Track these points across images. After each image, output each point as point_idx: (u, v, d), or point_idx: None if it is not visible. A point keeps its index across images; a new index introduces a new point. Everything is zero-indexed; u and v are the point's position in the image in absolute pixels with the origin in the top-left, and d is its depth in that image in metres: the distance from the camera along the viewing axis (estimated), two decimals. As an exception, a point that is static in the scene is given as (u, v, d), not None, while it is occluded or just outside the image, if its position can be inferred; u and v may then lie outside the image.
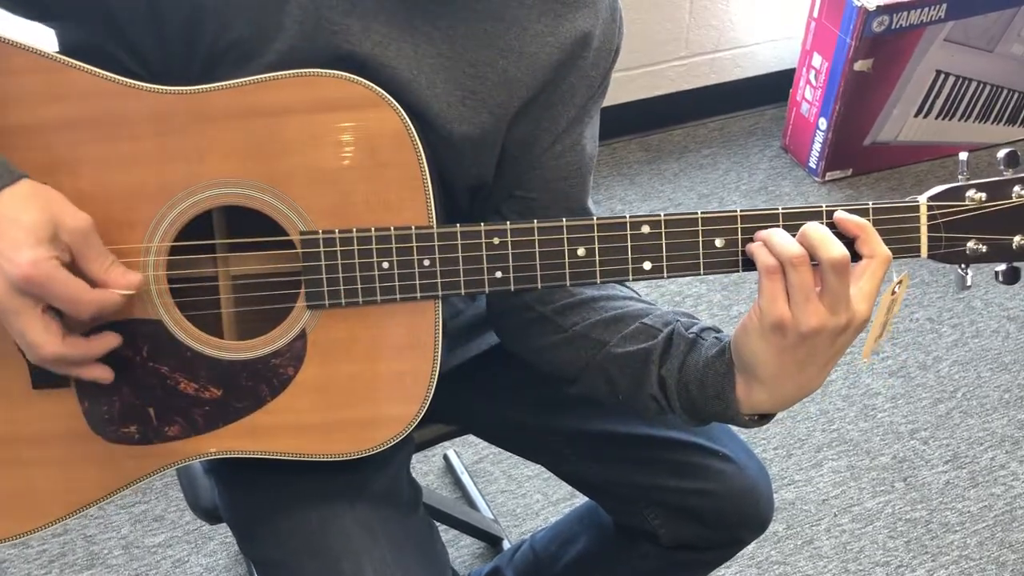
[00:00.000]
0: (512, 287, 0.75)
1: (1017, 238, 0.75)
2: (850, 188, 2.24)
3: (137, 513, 1.55)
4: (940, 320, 1.93)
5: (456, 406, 1.01)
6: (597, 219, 0.74)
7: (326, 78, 0.73)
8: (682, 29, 2.22)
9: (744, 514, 0.98)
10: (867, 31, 2.01)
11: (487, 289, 0.76)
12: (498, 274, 0.75)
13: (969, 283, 0.77)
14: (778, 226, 0.73)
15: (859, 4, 1.98)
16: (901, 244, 0.74)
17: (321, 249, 0.75)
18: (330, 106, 0.73)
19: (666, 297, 1.95)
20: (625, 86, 2.22)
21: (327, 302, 0.76)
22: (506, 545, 1.50)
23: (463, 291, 0.76)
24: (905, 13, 2.01)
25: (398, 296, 0.76)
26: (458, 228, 0.74)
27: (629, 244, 0.74)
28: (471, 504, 1.58)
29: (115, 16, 0.73)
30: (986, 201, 0.74)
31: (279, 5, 0.73)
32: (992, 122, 2.31)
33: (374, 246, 0.75)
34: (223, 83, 0.73)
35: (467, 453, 1.67)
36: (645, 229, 0.74)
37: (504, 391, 1.02)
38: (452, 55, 0.77)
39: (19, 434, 0.78)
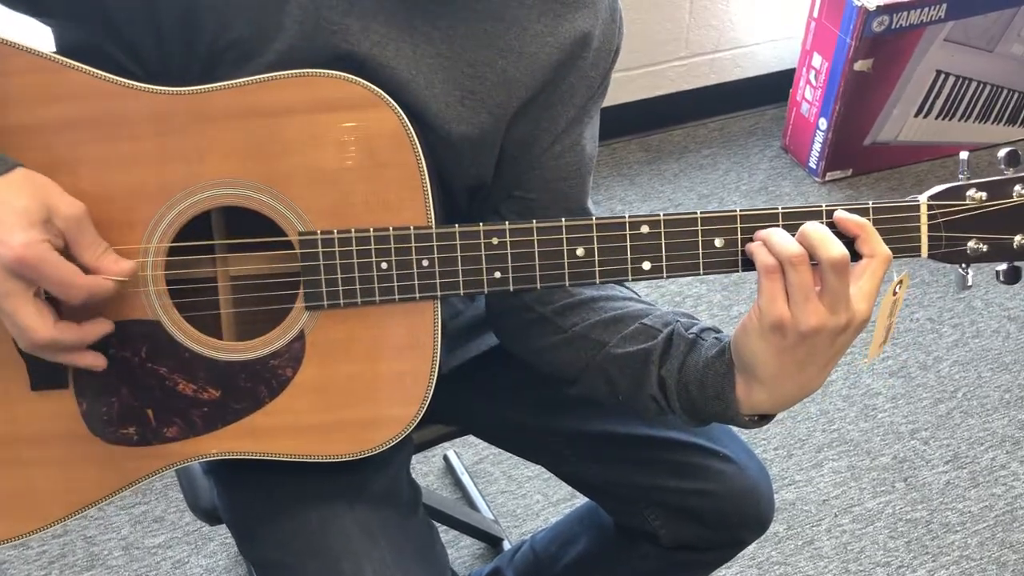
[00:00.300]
0: (511, 287, 0.75)
1: (1018, 237, 0.75)
2: (850, 188, 2.24)
3: (137, 514, 1.55)
4: (940, 320, 1.93)
5: (456, 407, 1.01)
6: (596, 219, 0.74)
7: (325, 78, 0.72)
8: (682, 29, 2.22)
9: (744, 514, 0.98)
10: (867, 31, 2.00)
11: (486, 289, 0.76)
12: (497, 274, 0.75)
13: (970, 283, 0.77)
14: (778, 226, 0.72)
15: (859, 4, 1.98)
16: (901, 244, 0.74)
17: (320, 250, 0.74)
18: (329, 106, 0.73)
19: (666, 298, 1.95)
20: (625, 86, 2.22)
21: (326, 303, 0.76)
22: (506, 546, 1.49)
23: (462, 291, 0.76)
24: (905, 13, 2.01)
25: (397, 297, 0.75)
26: (457, 228, 0.74)
27: (628, 244, 0.74)
28: (471, 505, 1.58)
29: (112, 16, 0.72)
30: (987, 200, 0.74)
31: (279, 5, 0.73)
32: (992, 122, 2.31)
33: (373, 246, 0.74)
34: (222, 83, 0.73)
35: (467, 454, 1.66)
36: (644, 229, 0.74)
37: (504, 392, 1.02)
38: (451, 55, 0.77)
39: (18, 435, 0.78)
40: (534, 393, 0.99)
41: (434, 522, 0.96)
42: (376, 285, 0.75)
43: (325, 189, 0.74)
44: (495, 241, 0.74)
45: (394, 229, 0.74)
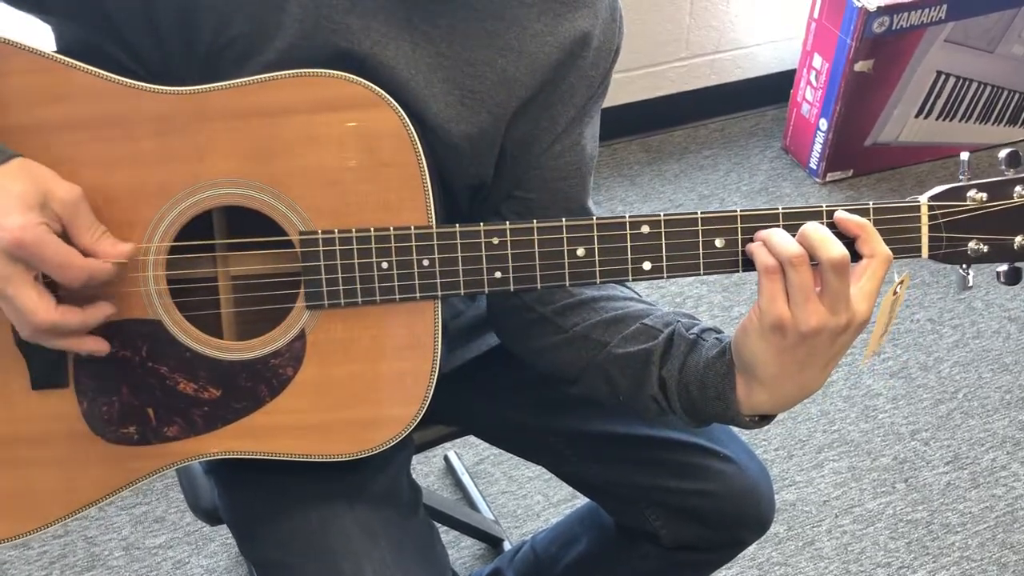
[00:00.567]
0: (511, 287, 0.75)
1: (1018, 238, 0.75)
2: (851, 189, 2.24)
3: (138, 514, 1.55)
4: (941, 321, 1.93)
5: (456, 407, 1.01)
6: (597, 219, 0.74)
7: (325, 78, 0.73)
8: (683, 30, 2.22)
9: (745, 515, 0.98)
10: (867, 32, 2.01)
11: (486, 289, 0.76)
12: (497, 274, 0.75)
13: (970, 283, 0.76)
14: (778, 226, 0.72)
15: (859, 5, 1.98)
16: (902, 244, 0.74)
17: (320, 249, 0.74)
18: (329, 106, 0.73)
19: (667, 298, 1.95)
20: (626, 87, 2.22)
21: (326, 302, 0.76)
22: (507, 546, 1.49)
23: (462, 291, 0.76)
24: (905, 14, 2.01)
25: (397, 296, 0.75)
26: (457, 228, 0.74)
27: (629, 244, 0.74)
28: (472, 505, 1.58)
29: (112, 15, 0.73)
30: (987, 201, 0.74)
31: (279, 4, 0.73)
32: (993, 123, 2.31)
33: (373, 246, 0.74)
34: (222, 83, 0.73)
35: (468, 454, 1.66)
36: (645, 229, 0.74)
37: (505, 391, 1.02)
38: (451, 54, 0.77)
39: (19, 435, 0.78)
40: (535, 393, 0.99)
41: (434, 523, 0.96)
42: (377, 285, 0.75)
43: (326, 189, 0.74)
44: (496, 241, 0.74)
45: (395, 229, 0.74)
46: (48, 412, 0.78)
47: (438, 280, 0.75)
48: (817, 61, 2.15)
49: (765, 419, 0.78)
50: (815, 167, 2.23)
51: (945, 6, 2.03)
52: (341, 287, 0.75)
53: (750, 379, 0.74)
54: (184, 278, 0.79)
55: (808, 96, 2.21)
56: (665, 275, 0.75)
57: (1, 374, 0.77)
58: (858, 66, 2.06)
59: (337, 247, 0.74)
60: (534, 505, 1.60)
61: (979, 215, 0.74)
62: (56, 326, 0.69)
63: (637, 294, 0.89)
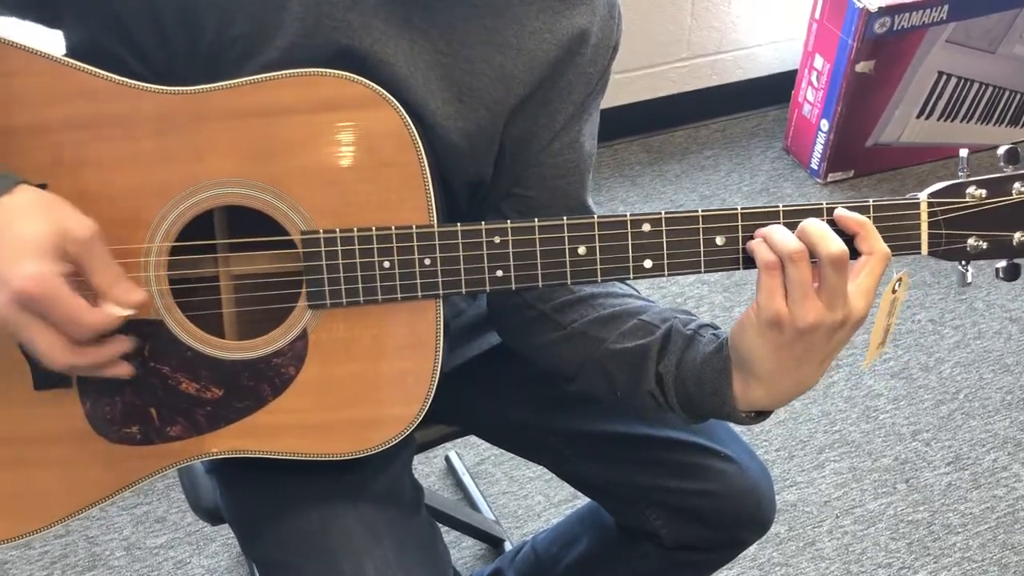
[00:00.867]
0: (513, 286, 0.75)
1: (1018, 234, 0.75)
2: (852, 190, 2.24)
3: (139, 514, 1.55)
4: (942, 321, 1.93)
5: (458, 406, 1.01)
6: (598, 217, 0.74)
7: (326, 78, 0.73)
8: (684, 31, 2.22)
9: (746, 514, 0.98)
10: (869, 32, 2.01)
11: (488, 288, 0.76)
12: (499, 273, 0.75)
13: (970, 280, 0.77)
14: (778, 224, 0.73)
15: (861, 5, 1.98)
16: (901, 242, 0.74)
17: (322, 249, 0.75)
18: (330, 106, 0.73)
19: (668, 298, 1.95)
20: (627, 87, 2.22)
21: (328, 302, 0.76)
22: (507, 547, 1.49)
23: (464, 290, 0.76)
24: (907, 14, 2.01)
25: (399, 295, 0.76)
26: (459, 227, 0.74)
27: (630, 242, 0.74)
28: (473, 505, 1.58)
29: (120, 15, 0.73)
30: (987, 198, 0.74)
31: (281, 2, 0.73)
32: (994, 123, 2.31)
33: (375, 245, 0.75)
34: (224, 83, 0.73)
35: (468, 455, 1.67)
36: (646, 227, 0.74)
37: (506, 390, 1.02)
38: (449, 52, 0.77)
39: (21, 435, 0.78)
40: (536, 392, 0.99)
41: (436, 522, 0.96)
42: (378, 284, 0.75)
43: (327, 188, 0.75)
44: (497, 240, 0.74)
45: (396, 228, 0.74)
46: (51, 412, 0.78)
47: (440, 279, 0.75)
48: (818, 62, 2.15)
49: (761, 415, 0.78)
50: (816, 168, 2.23)
51: (946, 7, 2.03)
52: (343, 286, 0.75)
53: (747, 375, 0.74)
54: (186, 278, 0.79)
55: (809, 97, 2.21)
56: (666, 273, 0.75)
57: (4, 375, 0.77)
58: (859, 67, 2.06)
59: (339, 247, 0.75)
60: (535, 505, 1.60)
61: (978, 211, 0.74)
62: (72, 367, 0.69)
63: (636, 291, 0.89)
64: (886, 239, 0.73)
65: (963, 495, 1.63)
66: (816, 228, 0.70)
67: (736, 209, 0.74)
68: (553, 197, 0.86)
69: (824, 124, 2.17)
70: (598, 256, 0.75)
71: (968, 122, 2.28)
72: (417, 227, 0.75)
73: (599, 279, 0.75)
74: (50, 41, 0.77)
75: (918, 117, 2.21)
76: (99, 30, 0.74)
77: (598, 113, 0.89)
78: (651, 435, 0.96)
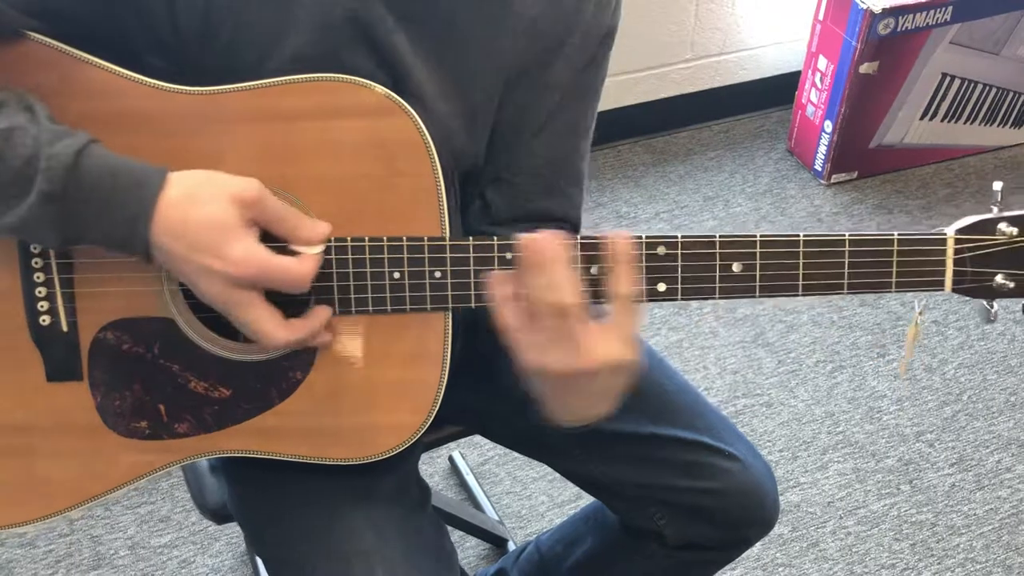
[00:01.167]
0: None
1: None
2: (855, 191, 2.24)
3: (143, 514, 1.55)
4: (946, 323, 1.93)
5: (463, 405, 1.01)
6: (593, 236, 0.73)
7: (344, 84, 0.72)
8: (687, 32, 2.22)
9: (750, 513, 0.98)
10: (873, 33, 2.01)
11: None
12: None
13: (994, 317, 0.74)
14: (798, 251, 0.72)
15: (865, 7, 1.99)
16: (924, 277, 0.73)
17: (333, 256, 0.74)
18: (347, 112, 0.73)
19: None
20: (630, 88, 2.22)
21: (337, 309, 0.76)
22: (511, 546, 1.50)
23: (473, 304, 0.75)
24: (911, 15, 2.01)
25: (408, 307, 0.75)
26: (471, 241, 0.74)
27: (644, 264, 0.73)
28: (476, 505, 1.58)
29: (140, 13, 0.73)
30: (1017, 236, 0.71)
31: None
32: (998, 124, 2.31)
33: (385, 255, 0.74)
34: (240, 85, 0.73)
35: (472, 455, 1.67)
36: (661, 250, 0.73)
37: (511, 390, 1.02)
38: (445, 37, 0.77)
39: (33, 424, 0.79)
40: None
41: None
42: (388, 294, 0.75)
43: (340, 196, 0.74)
44: (509, 256, 0.74)
45: (408, 239, 0.74)
46: (62, 404, 0.78)
47: (449, 292, 0.75)
48: (822, 63, 2.15)
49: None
50: (820, 169, 2.24)
51: (951, 8, 2.03)
52: (352, 295, 0.75)
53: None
54: None
55: (813, 98, 2.21)
56: (680, 298, 0.74)
57: (18, 365, 0.77)
58: (863, 68, 2.06)
59: (349, 255, 0.74)
60: (538, 505, 1.60)
61: (1008, 250, 0.72)
62: (290, 343, 0.72)
63: None
64: (907, 273, 0.72)
65: (967, 496, 1.63)
66: (551, 277, 0.68)
67: (755, 236, 0.72)
68: (539, 186, 0.85)
69: (828, 125, 2.17)
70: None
71: (972, 124, 2.28)
72: (428, 239, 0.74)
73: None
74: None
75: (922, 118, 2.22)
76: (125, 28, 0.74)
77: (595, 110, 0.88)
78: (656, 434, 0.97)
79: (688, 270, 0.73)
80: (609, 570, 1.10)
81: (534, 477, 1.64)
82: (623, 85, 2.19)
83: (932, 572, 1.53)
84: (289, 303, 0.75)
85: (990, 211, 0.73)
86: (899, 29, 2.02)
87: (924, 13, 2.02)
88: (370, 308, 0.76)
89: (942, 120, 2.24)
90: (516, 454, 1.64)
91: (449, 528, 1.45)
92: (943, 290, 0.73)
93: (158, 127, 0.74)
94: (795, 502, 1.61)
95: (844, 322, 1.92)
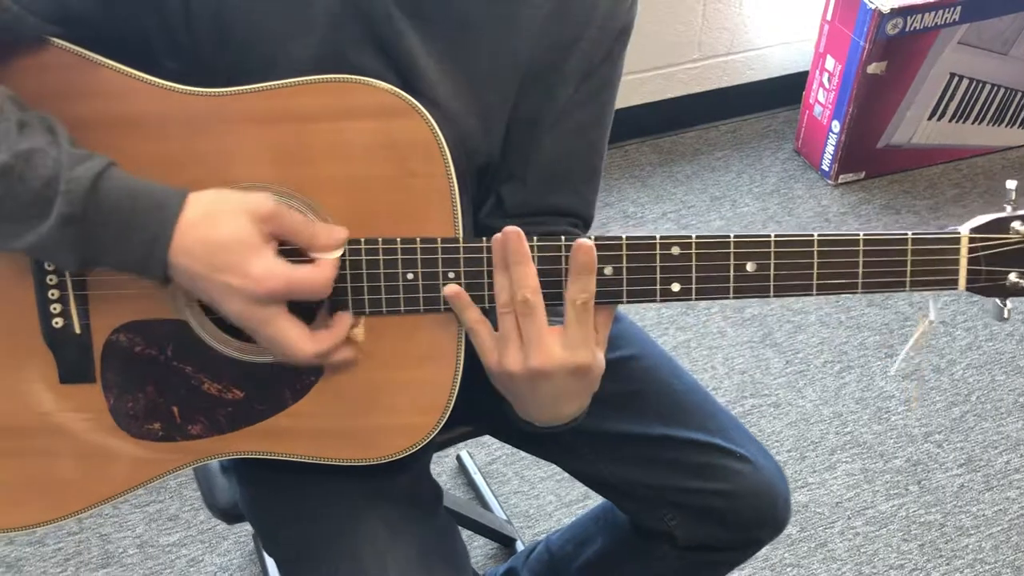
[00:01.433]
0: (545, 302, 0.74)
1: None
2: (863, 191, 2.24)
3: (152, 512, 1.56)
4: (954, 323, 1.92)
5: (474, 406, 1.01)
6: (627, 238, 0.73)
7: (357, 85, 0.72)
8: (695, 32, 2.22)
9: (762, 514, 0.98)
10: (881, 34, 2.00)
11: None
12: None
13: (1007, 315, 0.75)
14: (812, 251, 0.72)
15: (873, 7, 1.98)
16: (938, 276, 0.73)
17: (346, 258, 0.74)
18: (360, 113, 0.73)
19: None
20: (637, 88, 2.22)
21: (351, 310, 0.76)
22: (519, 546, 1.50)
23: (487, 305, 0.75)
24: (919, 16, 2.01)
25: (421, 308, 0.75)
26: (484, 242, 0.74)
27: (658, 264, 0.73)
28: (484, 505, 1.58)
29: (160, 12, 0.73)
30: None
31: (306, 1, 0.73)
32: (1006, 125, 2.31)
33: (399, 257, 0.74)
34: (252, 87, 0.73)
35: (480, 454, 1.67)
36: (675, 250, 0.73)
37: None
38: (458, 38, 0.77)
39: (46, 426, 0.79)
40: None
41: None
42: (401, 295, 0.75)
43: (353, 197, 0.74)
44: None
45: (421, 240, 0.74)
46: (75, 405, 0.78)
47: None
48: (830, 63, 2.15)
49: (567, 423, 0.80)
50: (827, 169, 2.23)
51: (959, 8, 2.02)
52: (366, 296, 0.75)
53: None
54: None
55: (821, 98, 2.21)
56: (694, 297, 0.74)
57: (31, 367, 0.78)
58: (871, 68, 2.06)
59: (363, 256, 0.74)
60: (546, 505, 1.60)
61: (1022, 248, 0.72)
62: (317, 355, 0.72)
63: None
64: (921, 272, 0.72)
65: (975, 497, 1.63)
66: (511, 274, 0.71)
67: (769, 236, 0.73)
68: (551, 182, 0.85)
69: (835, 125, 2.17)
70: (625, 276, 0.74)
71: (980, 124, 2.27)
72: (442, 240, 0.74)
73: (625, 300, 0.75)
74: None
75: (930, 119, 2.21)
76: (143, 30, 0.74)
77: (611, 111, 0.88)
78: (668, 435, 0.97)
79: (702, 270, 0.73)
80: (619, 570, 1.10)
81: (542, 477, 1.64)
82: (630, 85, 2.18)
83: (941, 573, 1.52)
84: (298, 309, 0.75)
85: (1003, 210, 0.73)
86: (907, 29, 2.02)
87: (933, 13, 2.01)
88: (384, 309, 0.76)
89: (950, 120, 2.23)
90: (523, 454, 1.64)
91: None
92: (957, 289, 0.74)
93: (171, 129, 0.74)
94: (803, 502, 1.61)
95: (852, 322, 1.91)
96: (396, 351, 0.77)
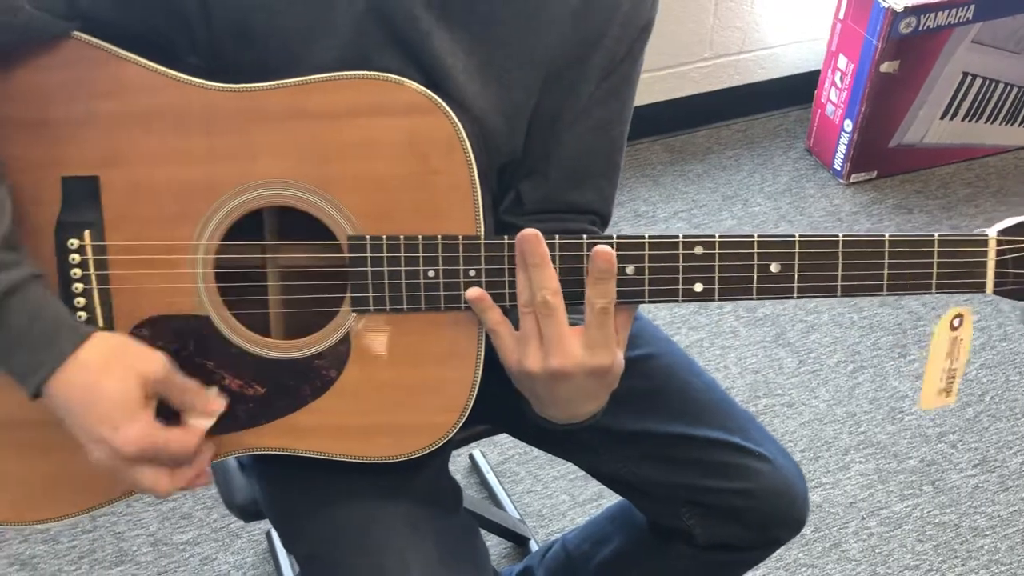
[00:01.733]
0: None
1: None
2: (875, 190, 2.23)
3: (165, 511, 1.56)
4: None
5: (489, 403, 1.01)
6: (649, 237, 0.73)
7: (380, 82, 0.72)
8: (706, 30, 2.21)
9: (781, 513, 0.97)
10: (894, 33, 2.00)
11: None
12: None
13: None
14: (837, 252, 0.72)
15: (886, 5, 1.98)
16: (965, 279, 0.72)
17: (368, 255, 0.74)
18: (384, 110, 0.73)
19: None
20: (649, 87, 2.21)
21: (372, 307, 0.76)
22: (533, 545, 1.49)
23: (508, 303, 0.75)
24: (933, 14, 2.00)
25: (442, 306, 0.75)
26: (505, 240, 0.74)
27: (680, 264, 0.73)
28: (497, 504, 1.58)
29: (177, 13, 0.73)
30: None
31: (330, 2, 0.73)
32: (1019, 124, 2.30)
33: (420, 254, 0.74)
34: (277, 83, 0.73)
35: (493, 453, 1.67)
36: (698, 250, 0.73)
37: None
38: (484, 36, 0.77)
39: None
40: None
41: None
42: (422, 293, 0.75)
43: (376, 194, 0.74)
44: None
45: (443, 238, 0.74)
46: None
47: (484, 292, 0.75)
48: (842, 62, 2.15)
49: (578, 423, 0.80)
50: (839, 168, 2.23)
51: (973, 7, 2.02)
52: (387, 293, 0.75)
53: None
54: (232, 276, 0.79)
55: (833, 97, 2.20)
56: (716, 298, 0.74)
57: None
58: (884, 67, 2.05)
59: (385, 253, 0.74)
60: (559, 504, 1.60)
61: None
62: (172, 492, 0.75)
63: None
64: (948, 275, 0.72)
65: (990, 498, 1.62)
66: (532, 275, 0.72)
67: (794, 236, 0.72)
68: (570, 178, 0.85)
69: (847, 124, 2.16)
70: (647, 276, 0.73)
71: (993, 123, 2.26)
72: (463, 238, 0.74)
73: (646, 300, 0.74)
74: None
75: (942, 118, 2.20)
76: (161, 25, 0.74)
77: (631, 109, 0.88)
78: (687, 434, 0.96)
79: (725, 270, 0.73)
80: (636, 569, 1.10)
81: (555, 476, 1.63)
82: (641, 83, 2.14)
83: (956, 574, 1.52)
84: (322, 301, 0.75)
85: None
86: (921, 28, 2.01)
87: (946, 12, 2.00)
88: (404, 307, 0.76)
89: (963, 119, 2.23)
90: (536, 453, 1.64)
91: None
92: (984, 292, 0.73)
93: (195, 124, 0.74)
94: (817, 502, 1.60)
95: (865, 322, 1.91)
96: (416, 349, 0.77)
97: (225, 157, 0.74)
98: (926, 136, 2.22)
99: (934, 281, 0.73)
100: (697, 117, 2.34)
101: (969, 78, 2.16)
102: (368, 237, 0.74)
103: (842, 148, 2.20)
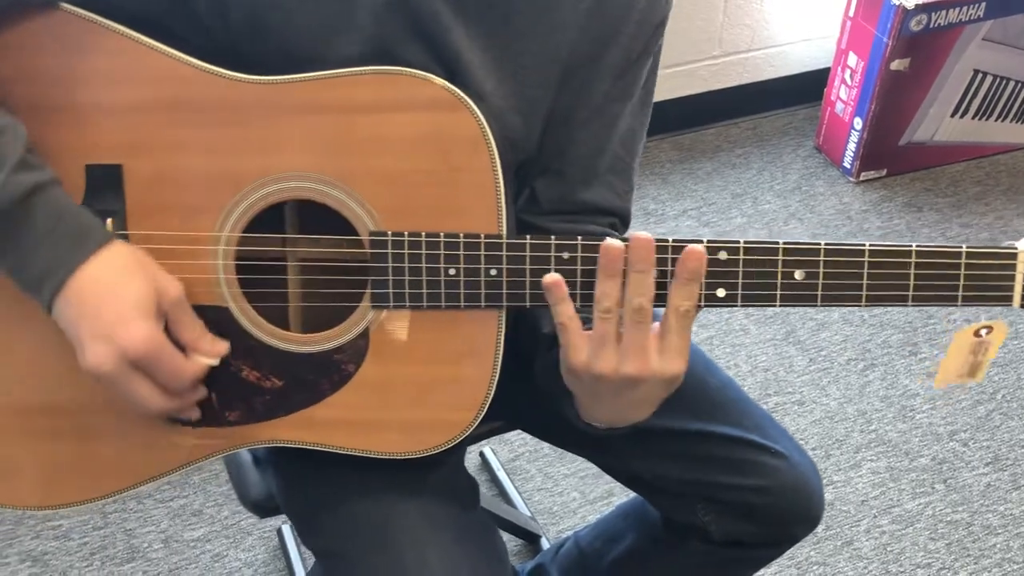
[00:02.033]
0: (578, 304, 0.73)
1: None
2: (885, 188, 2.22)
3: (176, 508, 1.56)
4: (977, 321, 1.91)
5: (504, 400, 1.01)
6: (673, 241, 0.72)
7: (405, 77, 0.72)
8: (716, 28, 2.21)
9: (797, 510, 0.97)
10: (904, 30, 1.99)
11: None
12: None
13: None
14: (863, 261, 0.71)
15: (897, 3, 1.97)
16: (991, 292, 0.72)
17: (389, 251, 0.74)
18: (407, 106, 0.72)
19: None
20: (658, 85, 2.18)
21: (392, 303, 0.75)
22: (544, 543, 1.49)
23: (528, 304, 0.75)
24: (944, 12, 2.00)
25: (462, 304, 0.75)
26: (528, 240, 0.73)
27: (704, 269, 0.72)
28: (508, 501, 1.58)
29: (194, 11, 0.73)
30: None
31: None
32: (1029, 122, 2.29)
33: (442, 251, 0.74)
34: (302, 76, 0.73)
35: (503, 451, 1.66)
36: (722, 255, 0.72)
37: (555, 385, 1.02)
38: (503, 32, 0.77)
39: (84, 406, 0.79)
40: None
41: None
42: (443, 291, 0.75)
43: (398, 189, 0.74)
44: (566, 256, 0.73)
45: (464, 235, 0.74)
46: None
47: (504, 291, 0.74)
48: (852, 60, 2.14)
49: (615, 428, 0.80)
50: (849, 166, 2.22)
51: (984, 4, 2.01)
52: (407, 290, 0.75)
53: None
54: (253, 268, 0.79)
55: (843, 95, 2.20)
56: (739, 304, 0.73)
57: (70, 348, 0.77)
58: (894, 64, 2.05)
59: (406, 249, 0.74)
60: (570, 502, 1.60)
61: None
62: (162, 412, 0.75)
63: None
64: (974, 287, 0.72)
65: (1003, 496, 1.62)
66: (632, 282, 0.70)
67: (819, 244, 0.72)
68: (585, 177, 0.84)
69: (857, 122, 2.16)
70: (669, 280, 0.72)
71: (1003, 121, 2.26)
72: (485, 236, 0.74)
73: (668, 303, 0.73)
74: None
75: (952, 116, 2.20)
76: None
77: (649, 108, 0.88)
78: (703, 431, 0.96)
79: (749, 276, 0.72)
80: (650, 566, 1.10)
81: (565, 474, 1.63)
82: (651, 82, 2.18)
83: (969, 572, 1.51)
84: (342, 296, 0.74)
85: None
86: (932, 26, 2.01)
87: (957, 9, 2.00)
88: (424, 304, 0.75)
89: (973, 117, 2.22)
90: (546, 450, 1.64)
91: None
92: (1011, 305, 0.73)
93: (220, 115, 0.74)
94: (829, 500, 1.60)
95: (875, 320, 1.90)
96: (435, 346, 0.77)
97: (249, 149, 0.74)
98: (936, 134, 2.22)
99: (960, 293, 0.73)
100: (706, 115, 2.34)
101: (980, 76, 2.15)
102: (390, 233, 0.74)
103: (852, 146, 2.19)
